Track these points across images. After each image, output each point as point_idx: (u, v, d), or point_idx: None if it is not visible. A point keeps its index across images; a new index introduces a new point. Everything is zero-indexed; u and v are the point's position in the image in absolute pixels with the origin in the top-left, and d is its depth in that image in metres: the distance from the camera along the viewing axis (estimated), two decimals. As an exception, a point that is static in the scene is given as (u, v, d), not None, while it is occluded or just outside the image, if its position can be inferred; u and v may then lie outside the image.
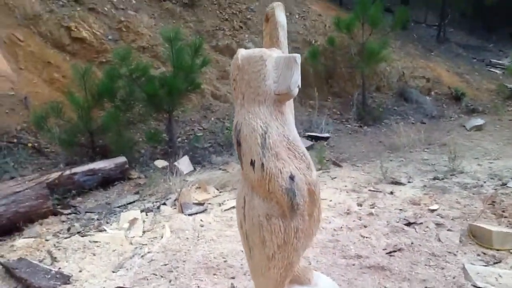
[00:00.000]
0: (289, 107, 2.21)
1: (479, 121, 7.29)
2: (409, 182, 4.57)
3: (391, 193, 4.24)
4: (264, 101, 1.99)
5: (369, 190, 4.39)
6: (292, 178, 1.93)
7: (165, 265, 3.09)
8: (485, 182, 4.37)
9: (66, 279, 3.02)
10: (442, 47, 12.07)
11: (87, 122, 5.82)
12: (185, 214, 4.00)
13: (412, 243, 3.12)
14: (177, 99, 5.98)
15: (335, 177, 4.90)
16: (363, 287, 2.65)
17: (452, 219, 3.51)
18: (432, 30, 13.90)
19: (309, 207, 2.07)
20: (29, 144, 6.24)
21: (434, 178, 4.58)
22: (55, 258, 3.37)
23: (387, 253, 3.04)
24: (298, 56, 2.00)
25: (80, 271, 3.16)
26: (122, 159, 5.40)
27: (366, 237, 3.29)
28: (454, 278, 2.66)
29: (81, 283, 2.98)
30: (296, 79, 1.98)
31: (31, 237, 3.77)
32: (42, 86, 7.43)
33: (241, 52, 2.03)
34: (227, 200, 4.31)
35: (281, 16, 2.22)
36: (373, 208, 3.88)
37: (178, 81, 5.79)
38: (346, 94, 8.25)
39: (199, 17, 8.49)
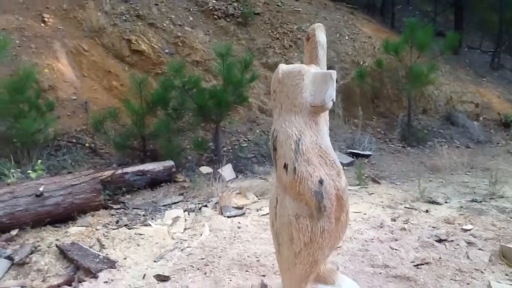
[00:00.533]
0: (324, 118, 2.42)
1: (525, 147, 7.15)
2: (446, 202, 4.60)
3: (426, 211, 4.30)
4: (300, 111, 2.21)
5: (405, 207, 4.46)
6: (321, 182, 2.13)
7: (202, 259, 3.34)
8: (523, 207, 4.35)
9: (112, 263, 3.33)
10: (495, 74, 11.83)
11: (141, 128, 6.24)
12: (224, 216, 4.25)
13: (440, 258, 3.19)
14: (225, 110, 6.30)
15: (372, 193, 5.00)
16: (389, 296, 2.78)
17: (484, 239, 3.54)
18: (487, 56, 13.63)
19: (337, 211, 2.26)
20: (86, 145, 6.76)
21: (472, 201, 4.58)
22: (103, 245, 3.70)
23: (414, 265, 3.13)
24: (334, 73, 2.21)
25: (125, 259, 3.46)
26: (170, 163, 5.76)
27: (396, 249, 3.40)
28: (477, 293, 2.74)
29: (125, 268, 3.27)
30: (330, 94, 2.19)
31: (83, 226, 4.15)
32: (101, 93, 8.00)
33: (282, 67, 2.27)
34: (265, 206, 4.53)
35: (321, 36, 2.44)
36: (406, 223, 3.97)
37: (227, 94, 6.12)
38: (391, 115, 8.29)
39: (251, 35, 8.86)
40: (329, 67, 7.00)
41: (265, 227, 3.97)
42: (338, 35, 8.90)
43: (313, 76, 2.21)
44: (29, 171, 5.25)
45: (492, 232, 3.69)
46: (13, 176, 5.16)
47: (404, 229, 3.82)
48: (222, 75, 6.18)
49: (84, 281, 3.13)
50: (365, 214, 4.26)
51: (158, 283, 3.07)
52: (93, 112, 7.31)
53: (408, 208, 4.42)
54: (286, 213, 2.24)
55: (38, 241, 3.79)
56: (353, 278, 2.97)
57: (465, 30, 13.38)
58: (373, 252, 3.36)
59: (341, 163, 6.06)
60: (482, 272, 3.00)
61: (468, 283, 2.86)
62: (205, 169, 6.13)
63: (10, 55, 7.92)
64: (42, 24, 8.78)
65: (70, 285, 3.10)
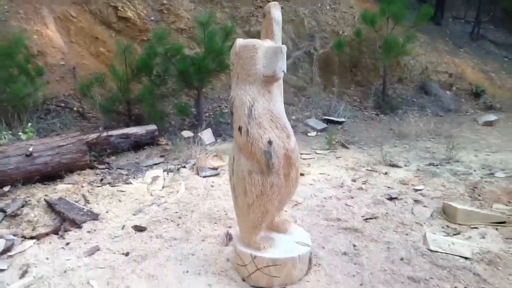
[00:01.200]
0: (279, 88, 2.69)
1: (491, 117, 7.45)
2: (405, 165, 4.94)
3: (386, 173, 4.64)
4: (253, 81, 2.48)
5: (367, 169, 4.80)
6: (270, 143, 2.43)
7: (176, 212, 3.67)
8: (475, 171, 4.69)
9: (95, 216, 3.65)
10: (474, 44, 12.02)
11: (125, 93, 6.46)
12: (200, 176, 4.57)
13: (387, 213, 3.55)
14: (206, 77, 6.51)
15: (339, 157, 5.34)
16: (335, 243, 3.12)
17: (432, 198, 3.90)
18: (470, 26, 13.78)
19: (285, 168, 2.57)
20: (74, 109, 6.98)
21: (429, 164, 4.93)
22: (88, 200, 4.01)
23: (364, 219, 3.49)
24: (284, 47, 2.47)
25: (107, 212, 3.79)
26: (153, 127, 6.02)
27: (350, 205, 3.75)
28: (414, 242, 3.09)
29: (107, 220, 3.60)
30: (280, 66, 2.46)
31: (70, 184, 4.45)
32: (89, 59, 8.14)
33: (239, 41, 2.52)
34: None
35: (276, 13, 2.68)
36: (364, 184, 4.32)
37: (208, 61, 6.32)
38: (368, 84, 8.54)
39: (235, 3, 8.94)
40: (310, 36, 7.26)
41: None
42: (319, 4, 9.01)
43: (265, 50, 2.47)
44: (19, 133, 5.50)
45: (440, 192, 4.05)
46: (5, 137, 5.41)
47: (361, 188, 4.17)
48: (203, 43, 6.36)
49: (69, 230, 3.46)
50: (328, 175, 4.60)
51: (135, 232, 3.40)
52: (81, 77, 7.49)
53: (369, 170, 4.76)
54: (240, 169, 2.55)
55: (28, 197, 4.09)
56: (308, 229, 3.32)
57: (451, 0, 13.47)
58: (329, 207, 3.71)
59: (315, 129, 6.39)
60: (421, 225, 3.36)
61: (407, 234, 3.22)
62: (186, 133, 6.40)
63: (-1, 20, 8.01)
64: (32, -11, 8.78)
65: (57, 233, 3.41)
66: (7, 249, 3.17)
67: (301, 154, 5.49)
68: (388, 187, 4.21)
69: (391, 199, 3.86)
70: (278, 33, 2.73)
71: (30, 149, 4.45)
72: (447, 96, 8.66)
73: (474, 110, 8.49)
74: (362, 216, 3.54)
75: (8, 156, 4.34)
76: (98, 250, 3.15)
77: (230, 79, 7.42)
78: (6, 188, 4.28)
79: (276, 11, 2.69)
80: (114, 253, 3.11)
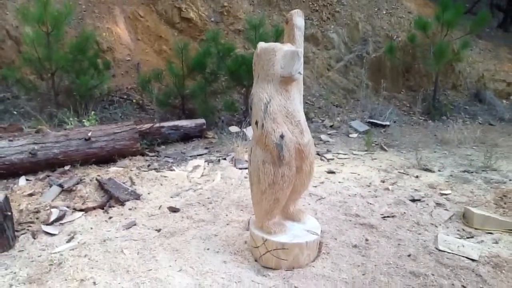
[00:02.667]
0: (297, 88, 2.91)
1: (544, 128, 7.11)
2: (439, 170, 4.92)
3: (417, 176, 4.67)
4: (271, 80, 2.73)
5: (399, 172, 4.85)
6: (282, 136, 2.66)
7: (208, 198, 3.99)
8: (510, 180, 4.59)
9: (137, 196, 4.05)
10: (544, 53, 11.35)
11: (180, 88, 6.93)
12: (236, 168, 4.88)
13: (404, 213, 3.64)
14: (254, 77, 6.80)
15: (375, 158, 5.41)
16: (349, 236, 3.27)
17: (455, 203, 3.91)
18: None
19: (298, 161, 2.79)
20: (134, 101, 7.56)
21: (464, 171, 4.87)
22: (134, 182, 4.45)
23: (382, 217, 3.60)
24: (300, 51, 2.70)
25: (149, 193, 4.19)
26: (201, 120, 6.42)
27: (371, 204, 3.86)
28: (424, 241, 3.17)
29: (147, 201, 3.99)
30: (297, 68, 2.68)
31: (121, 167, 4.92)
32: (152, 55, 8.74)
33: (261, 44, 2.78)
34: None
35: (297, 20, 2.91)
36: (392, 185, 4.39)
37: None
38: (420, 89, 8.42)
39: (292, 6, 9.14)
40: (363, 40, 7.40)
41: (269, 178, 4.55)
42: (376, 9, 9.00)
43: (284, 53, 2.70)
44: (84, 120, 6.11)
45: (466, 198, 4.05)
46: (71, 123, 6.05)
47: (387, 189, 4.26)
48: (254, 44, 6.65)
49: (113, 207, 3.89)
50: (359, 175, 4.71)
51: (170, 213, 3.76)
52: (143, 72, 8.08)
53: (401, 173, 4.81)
54: (256, 159, 2.80)
55: (84, 176, 4.60)
56: (326, 222, 3.52)
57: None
58: (351, 204, 3.85)
59: (357, 131, 6.44)
60: (436, 226, 3.42)
61: (419, 234, 3.30)
62: (233, 129, 6.74)
63: (76, 18, 8.82)
64: (107, -10, 9.56)
65: (102, 208, 3.86)
66: (59, 218, 3.65)
67: (338, 153, 5.64)
68: (415, 189, 4.26)
69: (413, 200, 3.93)
70: (300, 38, 2.95)
71: (89, 134, 4.98)
72: (501, 105, 8.33)
73: (530, 120, 8.12)
74: (381, 214, 3.66)
75: (70, 139, 4.89)
76: (135, 225, 3.54)
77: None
78: (66, 167, 4.84)
79: (298, 18, 2.91)
80: (148, 228, 3.48)
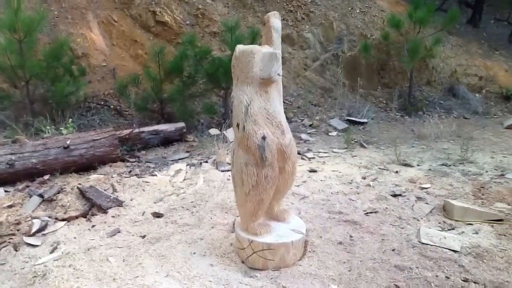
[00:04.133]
0: (277, 89, 2.93)
1: (516, 120, 7.34)
2: (418, 165, 5.02)
3: (396, 172, 4.76)
4: (251, 82, 2.74)
5: (379, 168, 4.93)
6: (263, 138, 2.68)
7: (192, 202, 3.98)
8: (487, 172, 4.72)
9: (120, 203, 4.01)
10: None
11: (158, 92, 6.88)
12: (219, 170, 4.87)
13: (386, 208, 3.71)
14: (231, 78, 6.80)
15: (355, 156, 5.48)
16: (333, 233, 3.31)
17: (435, 196, 4.00)
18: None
19: (280, 161, 2.81)
20: (112, 107, 7.48)
21: (442, 164, 4.99)
22: (116, 189, 4.40)
23: (365, 213, 3.66)
24: (278, 53, 2.71)
25: (131, 200, 4.15)
26: (181, 124, 6.39)
27: (353, 200, 3.92)
28: (407, 235, 3.24)
29: (130, 207, 3.95)
30: (275, 69, 2.70)
31: (102, 174, 4.86)
32: (128, 60, 8.65)
33: (239, 47, 2.79)
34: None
35: (275, 22, 2.93)
36: (373, 181, 4.46)
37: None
38: (395, 86, 8.56)
39: (267, 8, 9.19)
40: (338, 39, 7.43)
41: (252, 180, 4.56)
42: (349, 8, 9.13)
43: (262, 55, 2.72)
44: (61, 128, 6.00)
45: (445, 191, 4.14)
46: (48, 132, 5.93)
47: (369, 185, 4.32)
48: (230, 46, 6.66)
49: (96, 215, 3.84)
50: (340, 172, 4.77)
51: (154, 218, 3.74)
52: (120, 78, 7.98)
53: (381, 169, 4.89)
54: (238, 161, 2.81)
55: (64, 184, 4.52)
56: (310, 220, 3.55)
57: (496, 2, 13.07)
58: (334, 201, 3.90)
59: (336, 129, 6.47)
60: (418, 220, 3.49)
61: (402, 228, 3.37)
62: (213, 131, 6.72)
63: (49, 25, 8.66)
64: (79, -5, 9.42)
65: (85, 217, 3.80)
66: (41, 229, 3.58)
67: (319, 152, 5.69)
68: (396, 184, 4.34)
69: (394, 195, 4.00)
70: (277, 40, 2.97)
71: (68, 142, 4.90)
72: (474, 99, 8.54)
73: (502, 113, 8.33)
74: (363, 210, 3.71)
75: (48, 148, 4.80)
76: (119, 232, 3.50)
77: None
78: (46, 176, 4.74)
79: (275, 20, 2.93)
80: (133, 235, 3.45)
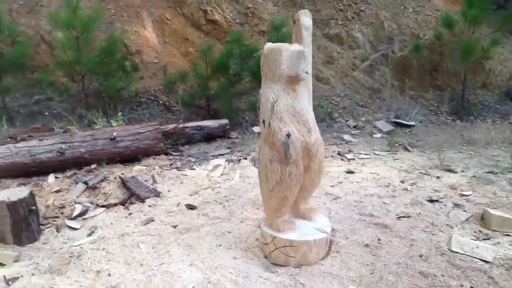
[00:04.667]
0: (306, 87, 2.94)
1: None
2: (462, 171, 4.81)
3: (438, 177, 4.59)
4: (278, 80, 2.77)
5: (420, 172, 4.77)
6: (288, 135, 2.70)
7: (225, 196, 4.08)
8: (537, 182, 4.45)
9: (158, 193, 4.18)
10: None
11: (204, 89, 7.07)
12: (255, 167, 4.94)
13: (420, 213, 3.60)
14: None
15: (397, 159, 5.34)
16: (361, 235, 3.27)
17: (475, 204, 3.82)
18: None
19: (305, 159, 2.82)
20: (161, 102, 7.77)
21: (489, 172, 4.75)
22: (155, 180, 4.59)
23: (397, 217, 3.58)
24: (306, 51, 2.72)
25: (169, 191, 4.31)
26: (224, 121, 6.53)
27: (387, 204, 3.83)
28: (438, 242, 3.13)
29: (166, 198, 4.12)
30: (303, 67, 2.71)
31: (145, 166, 5.08)
32: (179, 57, 8.93)
33: (268, 45, 2.83)
34: (293, 162, 5.17)
35: (305, 20, 2.93)
36: (412, 185, 4.33)
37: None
38: (448, 88, 8.22)
39: (317, 6, 9.15)
40: (389, 39, 7.28)
41: (287, 178, 4.59)
42: (402, 7, 8.87)
43: (290, 53, 2.74)
44: (111, 121, 6.34)
45: (488, 199, 3.94)
46: (100, 123, 6.29)
47: (406, 189, 4.21)
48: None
49: (134, 203, 4.03)
50: (378, 175, 4.68)
51: (187, 210, 3.87)
52: (170, 74, 8.27)
53: (423, 173, 4.74)
54: (264, 158, 2.85)
55: (109, 174, 4.78)
56: (339, 221, 3.52)
57: None
58: (366, 204, 3.84)
59: (381, 131, 6.29)
60: (452, 227, 3.36)
61: (433, 234, 3.26)
62: (257, 129, 6.79)
63: (106, 23, 9.12)
64: (135, -5, 9.86)
65: (123, 205, 4.00)
66: (82, 213, 3.82)
67: (360, 153, 5.61)
68: (435, 190, 4.19)
69: (431, 201, 3.87)
70: (307, 38, 2.97)
71: (114, 134, 5.17)
72: (534, 105, 8.02)
73: None
74: (396, 214, 3.62)
75: (96, 138, 5.09)
76: (153, 221, 3.66)
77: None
78: (93, 165, 5.04)
79: (305, 18, 2.94)
80: (165, 224, 3.60)
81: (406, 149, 5.80)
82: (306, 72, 2.74)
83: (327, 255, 2.99)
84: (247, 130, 6.79)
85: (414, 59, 8.08)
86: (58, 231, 3.56)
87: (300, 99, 2.83)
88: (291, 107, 2.77)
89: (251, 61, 6.92)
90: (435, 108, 7.92)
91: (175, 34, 9.24)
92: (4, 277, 2.83)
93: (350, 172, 4.79)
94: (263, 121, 2.78)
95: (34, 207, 3.38)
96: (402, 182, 4.46)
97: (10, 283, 2.78)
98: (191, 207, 3.91)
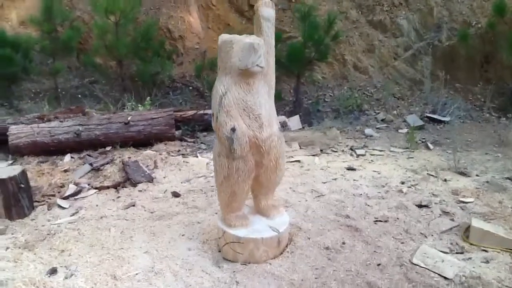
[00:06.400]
0: (265, 80, 2.82)
1: None
2: (477, 175, 4.37)
3: (445, 180, 4.22)
4: (229, 72, 2.70)
5: (428, 173, 4.43)
6: (233, 130, 2.63)
7: (212, 186, 4.08)
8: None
9: (151, 179, 4.29)
10: None
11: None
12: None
13: (398, 218, 3.35)
14: (304, 65, 6.67)
15: (411, 157, 4.99)
16: (327, 237, 3.10)
17: (470, 213, 3.47)
18: None
19: (256, 155, 2.73)
20: (194, 88, 7.89)
21: (507, 178, 4.28)
22: (157, 166, 4.70)
23: (374, 221, 3.37)
24: (256, 43, 2.61)
25: (164, 177, 4.41)
26: (246, 109, 6.49)
27: (369, 206, 3.61)
28: (402, 252, 2.88)
29: (158, 184, 4.20)
30: (253, 60, 2.61)
31: (153, 151, 5.22)
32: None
33: (221, 37, 2.76)
34: (297, 155, 5.02)
35: (264, 10, 2.80)
36: (410, 187, 4.04)
37: (305, 50, 6.46)
38: (501, 82, 7.47)
39: (364, -8, 8.71)
40: (437, 27, 6.76)
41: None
42: (456, -8, 8.13)
43: (242, 45, 2.64)
44: (139, 105, 6.56)
45: (488, 209, 3.56)
46: (127, 108, 6.54)
47: (401, 191, 3.93)
48: (302, 33, 6.51)
49: (126, 187, 4.18)
50: (379, 174, 4.42)
51: (171, 197, 3.94)
52: (208, 59, 8.35)
53: (430, 174, 4.39)
54: (214, 151, 2.83)
55: (119, 157, 4.97)
56: (312, 220, 3.39)
57: None
58: (347, 204, 3.65)
59: (409, 126, 5.81)
60: (426, 237, 3.09)
61: (402, 242, 3.02)
62: (280, 118, 6.68)
63: (154, 8, 9.42)
64: (185, -20, 10.03)
65: (116, 188, 4.17)
66: (75, 194, 4.03)
67: (374, 149, 5.32)
68: (433, 194, 3.87)
69: (420, 206, 3.58)
70: (268, 29, 2.84)
71: (129, 119, 5.36)
72: None
73: None
74: (375, 218, 3.41)
75: (111, 122, 5.31)
76: (134, 206, 3.77)
77: (342, 67, 7.36)
78: (108, 148, 5.28)
79: (265, 9, 2.80)
80: (145, 210, 3.69)
81: (427, 147, 5.40)
82: (258, 65, 2.63)
83: (281, 255, 2.90)
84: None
85: (463, 49, 7.41)
86: (48, 209, 3.80)
87: (255, 93, 2.73)
88: (242, 100, 2.68)
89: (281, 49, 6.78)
90: (480, 104, 7.24)
91: (218, 20, 9.29)
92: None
93: (350, 169, 4.57)
94: (213, 114, 2.73)
95: (23, 185, 3.61)
96: (402, 183, 4.17)
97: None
98: (176, 194, 3.97)
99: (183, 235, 3.21)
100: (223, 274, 2.68)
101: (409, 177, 4.35)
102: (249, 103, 2.69)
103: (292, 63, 6.60)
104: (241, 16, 9.24)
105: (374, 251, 2.93)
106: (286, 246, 2.98)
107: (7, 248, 3.11)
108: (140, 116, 5.43)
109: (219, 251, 2.95)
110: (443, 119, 6.40)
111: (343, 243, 3.05)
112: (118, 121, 5.33)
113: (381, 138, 5.86)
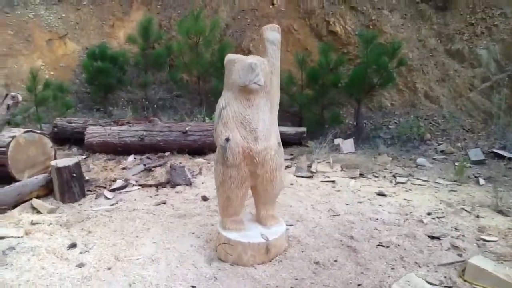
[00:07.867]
0: (267, 98, 3.03)
1: None
2: (516, 216, 4.04)
3: (477, 216, 3.95)
4: (231, 88, 2.97)
5: (461, 208, 4.17)
6: (227, 140, 2.88)
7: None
8: None
9: (189, 183, 4.67)
10: None
11: (299, 97, 7.25)
12: (294, 175, 5.02)
13: (399, 245, 3.26)
14: (365, 91, 6.65)
15: (454, 190, 4.71)
16: (322, 253, 3.15)
17: (484, 251, 3.26)
18: None
19: (250, 166, 2.95)
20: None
21: (552, 223, 3.88)
22: (201, 173, 5.08)
23: (376, 245, 3.32)
24: (254, 63, 2.85)
25: (202, 183, 4.76)
26: (302, 129, 6.65)
27: (379, 230, 3.55)
28: (388, 277, 2.80)
29: (194, 189, 4.56)
30: (251, 78, 2.86)
31: (204, 159, 5.62)
32: (295, 66, 9.18)
33: (228, 56, 3.05)
34: (334, 176, 5.05)
35: (269, 34, 3.04)
36: (434, 219, 3.86)
37: (367, 76, 6.45)
38: None
39: (446, 20, 8.34)
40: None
41: (313, 191, 4.58)
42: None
43: (243, 64, 2.90)
44: (206, 118, 7.08)
45: (510, 250, 3.32)
46: (197, 119, 7.10)
47: (421, 221, 3.79)
48: (364, 58, 6.50)
49: (165, 187, 4.61)
50: (408, 202, 4.28)
51: (200, 200, 4.26)
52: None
53: (464, 209, 4.14)
54: (215, 159, 3.08)
55: (172, 161, 5.46)
56: (316, 237, 3.46)
57: None
58: (357, 226, 3.63)
59: (469, 159, 5.53)
60: (420, 267, 2.97)
61: (393, 269, 2.95)
62: (337, 141, 6.71)
63: (239, 31, 10.06)
64: (271, 6, 10.56)
65: (156, 187, 4.62)
66: (121, 188, 4.56)
67: (418, 179, 5.13)
68: (455, 228, 3.66)
69: (431, 237, 3.44)
70: (273, 51, 3.07)
71: (187, 128, 5.85)
72: None
73: None
74: (380, 242, 3.36)
75: (171, 130, 5.85)
76: (164, 203, 4.16)
77: (413, 95, 7.17)
78: (166, 153, 5.81)
79: (270, 33, 3.04)
80: (172, 209, 4.06)
81: (477, 182, 5.05)
82: (256, 83, 2.86)
83: (269, 262, 3.03)
84: (324, 141, 6.75)
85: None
86: (96, 198, 4.36)
87: (254, 108, 2.96)
88: (240, 114, 2.93)
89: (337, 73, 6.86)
90: None
91: (298, 44, 9.57)
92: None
93: (381, 194, 4.49)
94: (214, 125, 3.01)
95: (75, 174, 4.21)
96: (429, 214, 4.01)
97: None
98: (204, 198, 4.29)
99: (193, 233, 3.49)
100: (208, 271, 2.90)
101: (439, 209, 4.15)
102: (247, 117, 2.92)
103: (353, 88, 6.62)
104: (320, 40, 9.41)
105: (361, 273, 2.92)
106: (276, 255, 3.10)
107: (50, 223, 3.68)
108: (197, 127, 5.90)
109: (216, 251, 3.18)
110: (510, 155, 5.89)
111: (335, 260, 3.08)
112: (178, 130, 5.85)
113: (432, 169, 5.60)
